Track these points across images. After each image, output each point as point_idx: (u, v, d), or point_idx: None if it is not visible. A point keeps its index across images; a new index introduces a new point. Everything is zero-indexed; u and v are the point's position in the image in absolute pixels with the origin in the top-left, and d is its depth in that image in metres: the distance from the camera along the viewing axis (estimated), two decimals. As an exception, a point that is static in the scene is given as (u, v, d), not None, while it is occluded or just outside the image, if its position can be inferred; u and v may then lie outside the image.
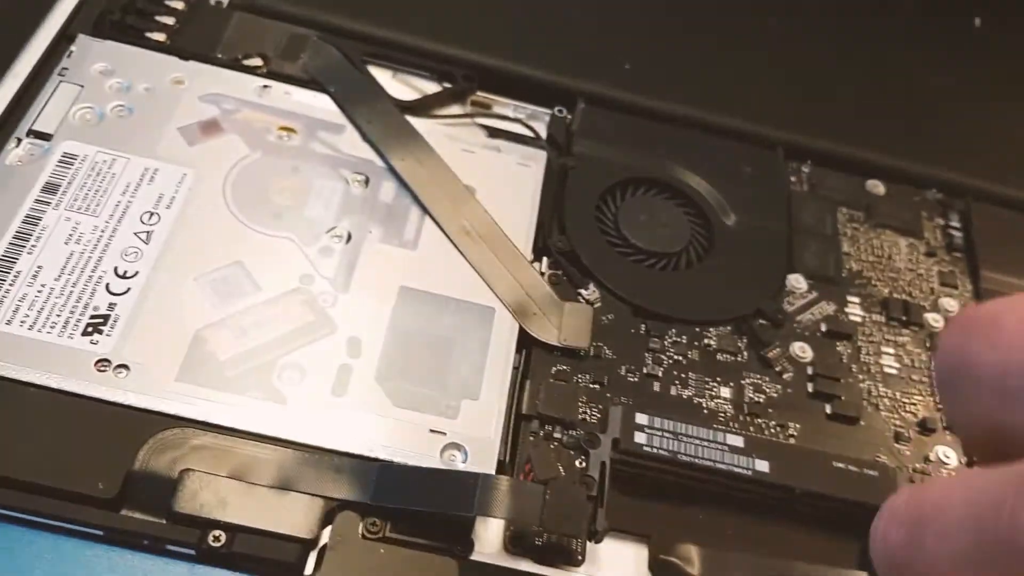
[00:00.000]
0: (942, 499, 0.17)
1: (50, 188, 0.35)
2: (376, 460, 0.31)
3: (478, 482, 0.30)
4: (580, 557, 0.31)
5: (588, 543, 0.32)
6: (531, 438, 0.33)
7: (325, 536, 0.30)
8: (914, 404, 0.38)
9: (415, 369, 0.34)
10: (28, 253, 0.33)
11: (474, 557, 0.30)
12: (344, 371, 0.33)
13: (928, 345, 0.40)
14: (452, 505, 0.30)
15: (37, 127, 0.37)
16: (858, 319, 0.40)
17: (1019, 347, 0.17)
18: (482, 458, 0.32)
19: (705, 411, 0.36)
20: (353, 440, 0.31)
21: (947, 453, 0.36)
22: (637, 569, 0.32)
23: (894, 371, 0.38)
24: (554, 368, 0.35)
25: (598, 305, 0.37)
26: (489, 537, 0.31)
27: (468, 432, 0.33)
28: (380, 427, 0.32)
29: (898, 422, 0.37)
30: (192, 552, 0.29)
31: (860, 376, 0.38)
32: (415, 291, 0.36)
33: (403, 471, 0.31)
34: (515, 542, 0.31)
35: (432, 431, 0.32)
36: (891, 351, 0.39)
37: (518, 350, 0.35)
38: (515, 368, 0.35)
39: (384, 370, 0.33)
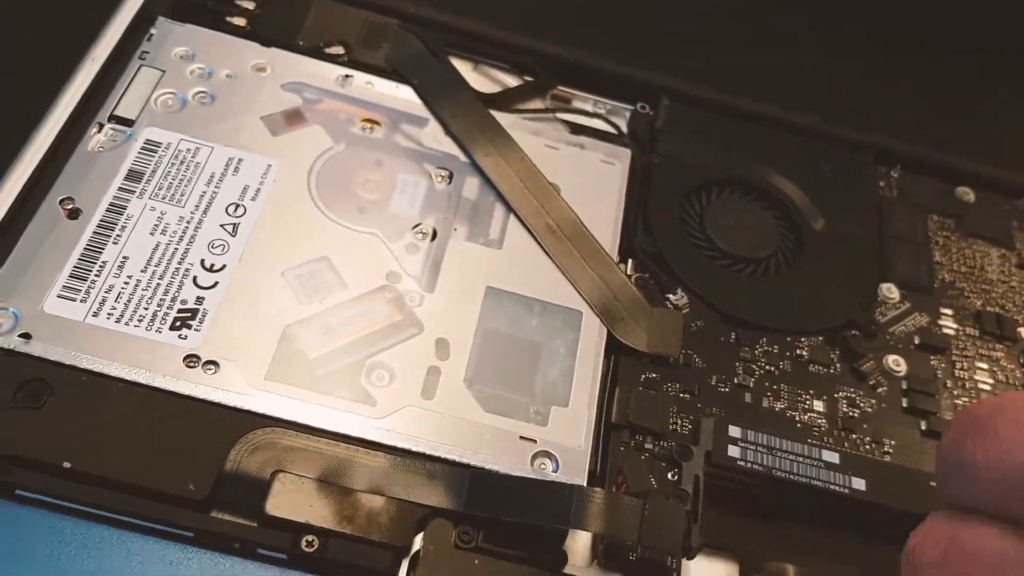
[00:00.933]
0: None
1: (134, 176, 0.35)
2: (468, 467, 0.30)
3: (574, 494, 0.29)
4: (675, 574, 0.30)
5: (682, 559, 0.31)
6: (622, 448, 0.32)
7: (417, 543, 0.29)
8: (1011, 422, 0.36)
9: (503, 373, 0.33)
10: (113, 243, 0.33)
11: (567, 571, 0.30)
12: (433, 373, 0.32)
13: (1022, 361, 0.38)
14: (547, 517, 0.29)
15: (119, 112, 0.36)
16: (951, 332, 0.38)
17: (1010, 451, 0.21)
18: (573, 468, 0.31)
19: (799, 425, 0.35)
20: (443, 445, 0.31)
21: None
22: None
23: (988, 387, 0.37)
24: (643, 376, 0.34)
25: (687, 311, 0.37)
26: (580, 550, 0.31)
27: (558, 440, 0.32)
28: (470, 432, 0.31)
29: (994, 441, 0.36)
30: (284, 556, 0.28)
31: (955, 392, 0.37)
32: (502, 292, 0.35)
33: (497, 479, 0.30)
34: (608, 556, 0.30)
35: (522, 438, 0.31)
36: (985, 366, 0.38)
37: (606, 356, 0.35)
38: (604, 375, 0.34)
39: (472, 374, 0.33)
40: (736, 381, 0.35)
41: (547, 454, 0.31)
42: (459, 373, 0.33)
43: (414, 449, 0.30)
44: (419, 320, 0.33)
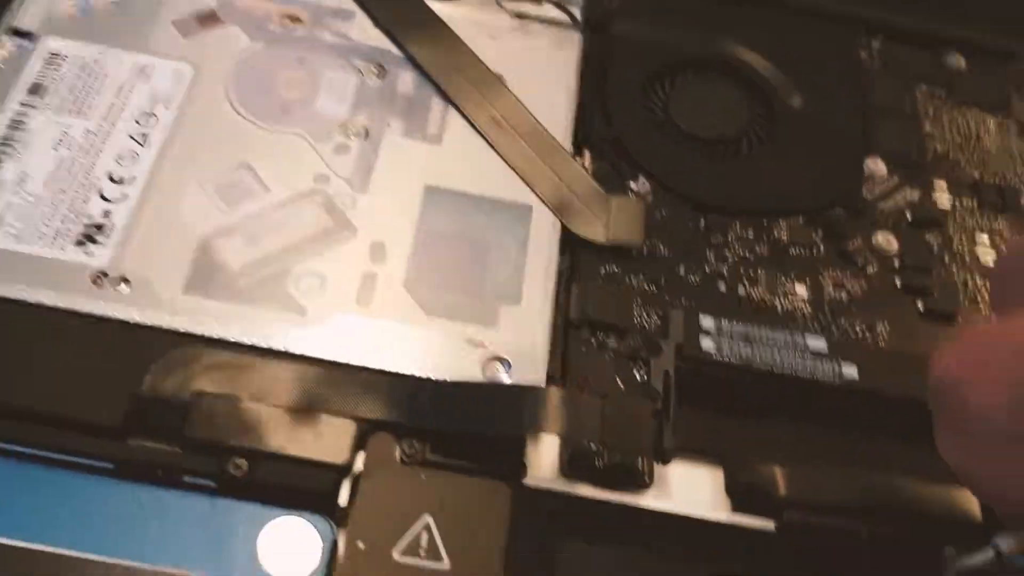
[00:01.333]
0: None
1: (36, 90, 0.32)
2: (411, 377, 0.28)
3: (526, 396, 0.26)
4: (647, 479, 0.27)
5: (655, 464, 0.28)
6: (583, 348, 0.29)
7: (359, 462, 0.26)
8: (1016, 297, 0.33)
9: (447, 275, 0.30)
10: (13, 160, 0.30)
11: (527, 482, 0.27)
12: (368, 279, 0.29)
13: (1027, 232, 0.35)
14: (499, 423, 0.26)
15: (18, 24, 0.33)
16: (947, 205, 0.35)
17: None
18: (529, 371, 0.28)
19: (780, 312, 0.31)
20: (384, 354, 0.28)
21: (1056, 350, 0.32)
22: (713, 493, 0.28)
23: (992, 261, 0.34)
24: (604, 269, 0.31)
25: (650, 199, 0.33)
26: (543, 461, 0.28)
27: (511, 342, 0.29)
28: (413, 338, 0.28)
29: (999, 318, 0.33)
30: (212, 483, 0.26)
31: (954, 268, 0.33)
32: (443, 190, 0.32)
33: (443, 387, 0.27)
34: (573, 464, 0.27)
35: (470, 342, 0.29)
36: (987, 239, 0.34)
37: (562, 251, 0.31)
38: (560, 271, 0.31)
39: (413, 276, 0.30)
40: (708, 270, 0.32)
41: (499, 358, 0.28)
42: (398, 277, 0.29)
43: (350, 361, 0.28)
44: (352, 223, 0.30)
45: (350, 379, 0.27)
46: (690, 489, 0.28)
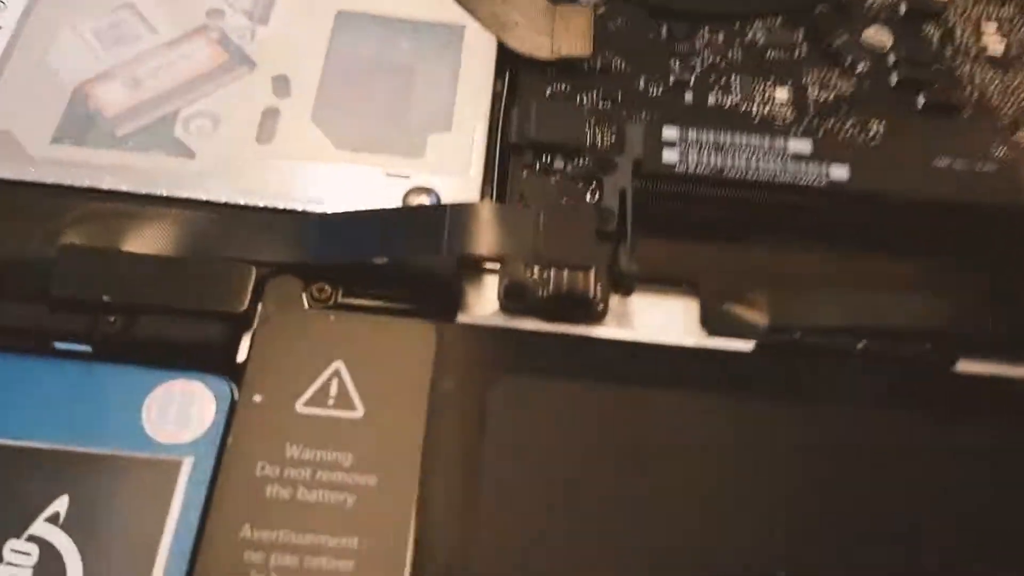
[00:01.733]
0: None
1: None
2: (317, 213, 0.24)
3: (446, 215, 0.22)
4: (601, 307, 0.23)
5: (615, 294, 0.24)
6: (524, 173, 0.25)
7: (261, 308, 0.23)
8: (1035, 86, 0.28)
9: (364, 106, 0.26)
10: None
11: (461, 319, 0.23)
12: (270, 115, 0.25)
13: (1047, 15, 0.30)
14: (415, 248, 0.22)
15: None
16: (947, -7, 0.30)
17: None
18: (458, 199, 0.24)
19: (757, 119, 0.27)
20: (289, 194, 0.24)
21: (1089, 138, 0.27)
22: (685, 324, 0.24)
23: (999, 51, 0.29)
24: (550, 89, 0.27)
25: (601, 11, 0.29)
26: (482, 298, 0.24)
27: (439, 172, 0.25)
28: (322, 176, 0.24)
29: (1014, 109, 0.28)
30: (88, 348, 0.22)
31: (957, 60, 0.29)
32: (357, 15, 0.27)
33: (349, 219, 0.23)
34: (511, 296, 0.23)
35: (391, 175, 0.25)
36: (993, 28, 0.30)
37: (500, 73, 0.27)
38: (497, 94, 0.27)
39: (323, 109, 0.26)
40: (672, 80, 0.27)
41: (424, 189, 0.24)
42: (304, 111, 0.25)
43: (248, 202, 0.24)
44: (250, 58, 0.26)
45: (245, 221, 0.23)
46: (657, 321, 0.24)
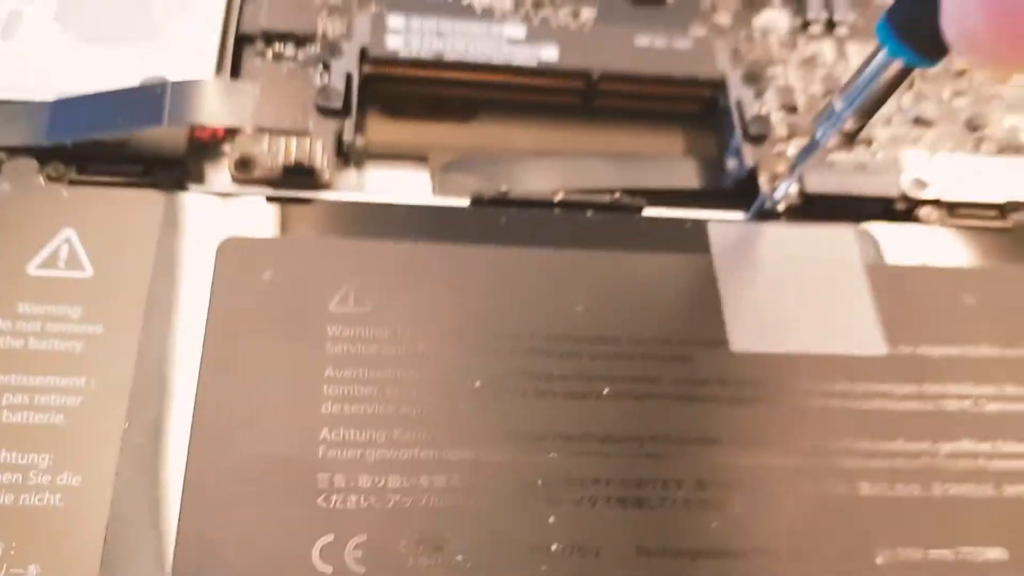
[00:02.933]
0: None
1: None
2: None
3: (167, 90, 0.24)
4: (327, 175, 0.25)
5: (346, 165, 0.26)
6: (257, 61, 0.27)
7: (-3, 196, 0.24)
8: (735, -24, 0.32)
9: (106, 5, 0.27)
10: None
11: (193, 189, 0.25)
12: (14, 18, 0.26)
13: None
14: (137, 121, 0.24)
15: None
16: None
17: None
18: (196, 87, 0.26)
19: (479, 10, 0.29)
20: (27, 86, 0.25)
21: (776, 17, 0.31)
22: (415, 191, 0.27)
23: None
24: (285, -14, 0.29)
25: (339, -84, 0.31)
26: (218, 172, 0.26)
27: (174, 58, 0.26)
28: (62, 68, 0.26)
29: (715, -3, 0.31)
30: None
31: (671, -46, 0.32)
32: (97, -78, 0.29)
33: (77, 101, 0.24)
34: (240, 167, 0.25)
35: (129, 63, 0.26)
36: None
37: (240, -29, 0.29)
38: (237, -10, 0.28)
39: (67, 7, 0.27)
40: (402, -24, 0.30)
41: (158, 77, 0.26)
42: (49, 10, 0.27)
43: (-15, 95, 0.25)
44: (-12, -37, 0.27)
45: (-22, 110, 0.24)
46: (392, 189, 0.26)
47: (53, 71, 0.25)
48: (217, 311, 0.22)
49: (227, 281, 0.22)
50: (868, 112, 0.21)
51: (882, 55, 0.19)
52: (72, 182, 0.24)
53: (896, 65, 0.19)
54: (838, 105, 0.21)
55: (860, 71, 0.20)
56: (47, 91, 0.25)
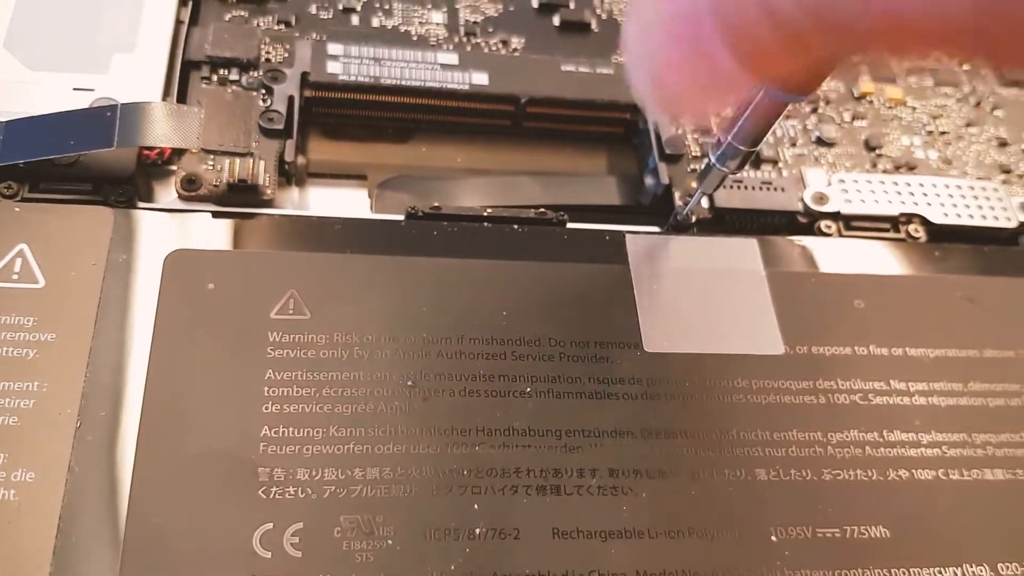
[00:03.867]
0: None
1: None
2: None
3: (116, 112, 0.25)
4: (269, 193, 0.27)
5: (288, 184, 0.28)
6: (203, 85, 0.29)
7: (-49, 211, 0.25)
8: (653, 7, 0.34)
9: (54, 30, 0.29)
10: None
11: (141, 206, 0.26)
12: (-38, 42, 0.28)
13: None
14: (89, 142, 0.25)
15: None
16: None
17: None
18: (144, 110, 0.28)
19: (415, 38, 0.31)
20: (-21, 110, 0.26)
21: (690, 48, 0.33)
22: (355, 209, 0.29)
23: (627, -23, 0.35)
24: (229, 16, 0.31)
25: (279, -52, 0.33)
26: (166, 191, 0.27)
27: (122, 85, 0.28)
28: (12, 94, 0.27)
29: (635, 26, 0.34)
30: None
31: (598, -10, 0.34)
32: (49, -48, 0.30)
33: (29, 122, 0.26)
34: (187, 186, 0.26)
35: (77, 89, 0.27)
36: (624, -43, 0.36)
37: (183, 2, 0.30)
38: (180, 21, 0.30)
39: (15, 35, 0.28)
40: (340, 6, 0.32)
41: (106, 99, 0.27)
42: (-4, 36, 0.28)
43: (-62, 117, 0.26)
44: (-58, -9, 0.29)
45: (-68, 130, 0.26)
46: (334, 208, 0.28)
47: (2, 96, 0.27)
48: (164, 318, 0.24)
49: (173, 290, 0.24)
50: (754, 141, 0.23)
51: (761, 93, 0.22)
52: (25, 199, 0.25)
53: (771, 102, 0.22)
54: (724, 137, 0.23)
55: (742, 108, 0.22)
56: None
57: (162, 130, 0.25)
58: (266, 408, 0.23)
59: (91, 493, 0.21)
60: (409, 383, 0.24)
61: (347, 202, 0.29)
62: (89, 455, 0.21)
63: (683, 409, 0.25)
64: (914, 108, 0.33)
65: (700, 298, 0.27)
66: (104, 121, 0.25)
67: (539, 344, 0.25)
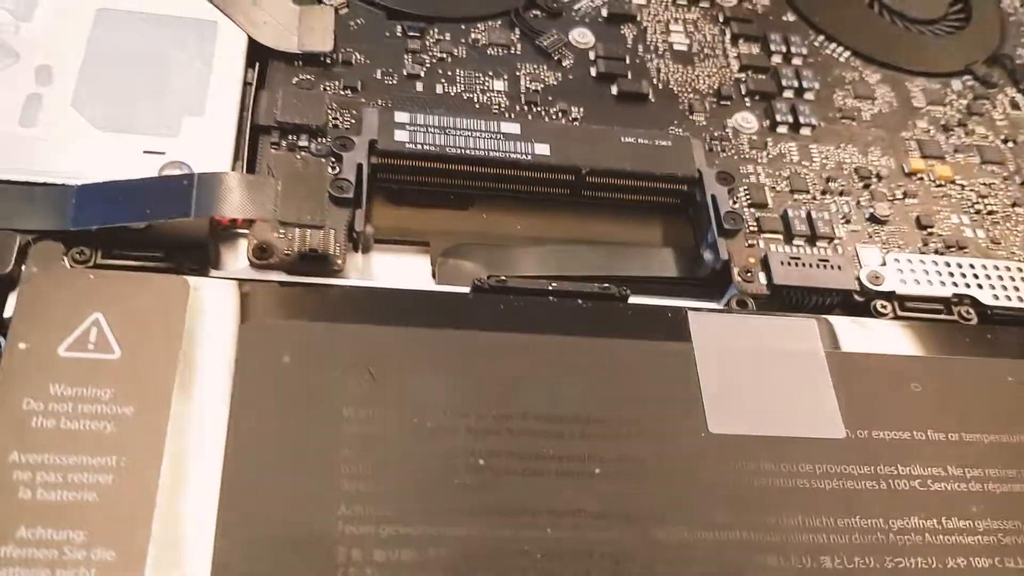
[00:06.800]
0: None
1: None
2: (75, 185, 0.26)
3: (194, 181, 0.25)
4: (340, 263, 0.27)
5: (354, 251, 0.28)
6: (272, 149, 0.29)
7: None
8: (709, 77, 0.35)
9: (123, 91, 0.29)
10: None
11: (213, 275, 0.26)
12: (33, 101, 0.28)
13: (720, 19, 0.37)
14: (166, 211, 0.25)
15: None
16: (643, 0, 0.36)
17: None
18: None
19: (477, 106, 0.32)
20: (49, 170, 0.26)
21: (747, 118, 0.34)
22: (418, 276, 0.29)
23: (684, 47, 0.35)
24: (296, 78, 0.31)
25: (345, 11, 0.33)
26: (237, 258, 0.27)
27: (193, 149, 0.28)
28: (82, 154, 0.27)
29: (692, 95, 0.34)
30: None
31: (648, 56, 0.35)
32: (117, 11, 0.30)
33: (106, 188, 0.26)
34: (258, 254, 0.27)
35: (147, 152, 0.28)
36: (680, 28, 0.36)
37: (250, 63, 0.30)
38: (248, 83, 0.30)
39: (83, 94, 0.28)
40: (405, 72, 0.32)
41: (178, 164, 0.27)
42: (65, 96, 0.28)
43: (12, 178, 0.26)
44: (13, 50, 0.29)
45: (7, 193, 0.25)
46: (396, 274, 0.28)
47: (71, 156, 0.27)
48: (241, 392, 0.24)
49: (250, 363, 0.24)
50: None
51: None
52: (97, 265, 0.25)
53: None
54: None
55: None
56: (68, 176, 0.26)
57: (239, 200, 0.25)
58: (343, 486, 0.23)
59: (172, 574, 0.21)
60: (480, 462, 0.24)
61: (410, 268, 0.29)
62: (169, 533, 0.21)
63: (748, 494, 0.25)
64: (962, 186, 0.34)
65: (762, 379, 0.27)
66: (181, 190, 0.25)
67: (606, 423, 0.25)
